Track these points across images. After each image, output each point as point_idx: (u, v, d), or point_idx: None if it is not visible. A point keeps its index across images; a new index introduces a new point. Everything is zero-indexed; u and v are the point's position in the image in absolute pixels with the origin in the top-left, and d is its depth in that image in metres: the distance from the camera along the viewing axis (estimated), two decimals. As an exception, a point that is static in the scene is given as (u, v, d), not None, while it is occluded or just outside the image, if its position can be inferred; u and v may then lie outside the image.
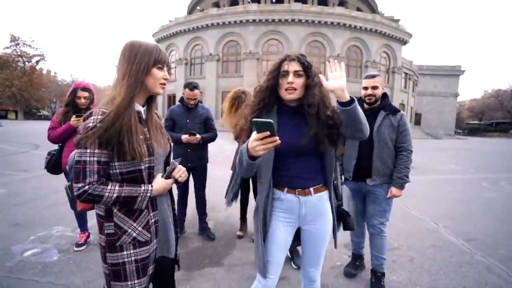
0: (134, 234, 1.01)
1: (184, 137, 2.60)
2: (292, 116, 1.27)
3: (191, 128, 2.66)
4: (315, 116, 1.19)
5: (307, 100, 1.20)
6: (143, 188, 1.00)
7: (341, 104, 1.09)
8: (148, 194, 1.01)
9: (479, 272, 2.38)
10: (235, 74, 26.69)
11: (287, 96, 1.23)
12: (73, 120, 2.28)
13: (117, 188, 0.95)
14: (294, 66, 1.21)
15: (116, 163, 0.96)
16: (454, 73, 39.27)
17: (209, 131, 2.82)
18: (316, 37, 26.32)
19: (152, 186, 1.03)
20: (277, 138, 0.96)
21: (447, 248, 2.86)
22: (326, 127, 1.19)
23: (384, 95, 2.10)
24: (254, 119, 0.96)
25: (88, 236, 2.62)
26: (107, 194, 0.93)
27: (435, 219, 3.68)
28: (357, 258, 2.31)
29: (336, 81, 1.09)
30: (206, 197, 3.00)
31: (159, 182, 1.06)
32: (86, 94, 2.40)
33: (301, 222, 1.32)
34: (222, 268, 2.28)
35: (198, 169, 2.81)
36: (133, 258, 1.00)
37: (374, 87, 2.02)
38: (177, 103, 2.84)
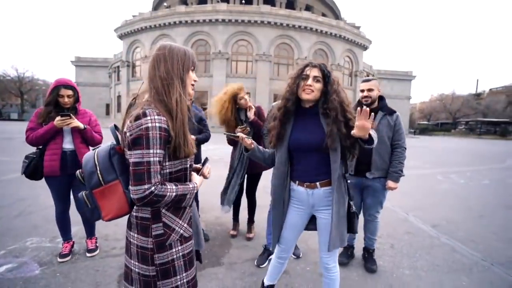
0: (181, 231, 1.03)
1: None
2: (307, 116, 1.44)
3: None
4: (334, 117, 1.34)
5: (328, 105, 1.35)
6: (191, 186, 1.03)
7: (362, 141, 1.28)
8: (195, 191, 1.04)
9: (446, 253, 2.74)
10: (204, 74, 26.26)
11: (304, 95, 1.39)
12: (58, 120, 2.11)
13: (174, 187, 0.96)
14: (314, 72, 1.38)
15: (167, 163, 0.97)
16: (407, 77, 43.28)
17: (202, 131, 2.80)
18: (284, 40, 27.03)
19: (196, 183, 1.06)
20: (239, 138, 1.48)
21: (419, 234, 3.22)
22: (343, 126, 1.33)
23: (381, 98, 2.30)
24: (224, 133, 1.58)
25: (72, 246, 2.43)
26: (168, 193, 0.94)
27: (405, 210, 4.09)
28: (348, 248, 2.50)
29: (361, 132, 1.22)
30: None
31: (198, 179, 1.11)
32: (69, 92, 2.22)
33: (311, 210, 1.51)
34: (222, 267, 2.30)
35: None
36: (180, 254, 1.03)
37: (370, 90, 2.22)
38: None
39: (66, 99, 2.22)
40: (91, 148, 2.35)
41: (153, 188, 0.90)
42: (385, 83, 41.29)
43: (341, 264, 2.39)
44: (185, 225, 1.05)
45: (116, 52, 35.11)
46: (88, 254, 2.39)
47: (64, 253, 2.33)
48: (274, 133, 1.45)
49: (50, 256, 2.36)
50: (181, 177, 1.03)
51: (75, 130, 2.24)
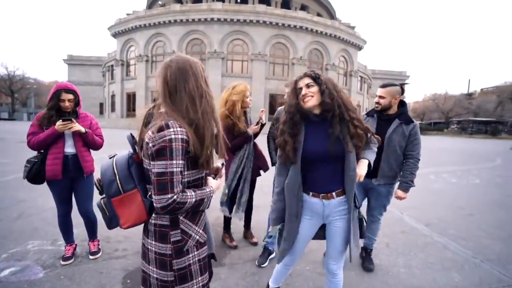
0: (197, 237, 1.07)
1: None
2: (318, 124, 1.41)
3: None
4: (338, 118, 1.36)
5: (324, 106, 1.36)
6: (208, 190, 1.07)
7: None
8: (212, 195, 1.09)
9: (439, 250, 2.85)
10: (200, 73, 26.12)
11: (306, 104, 1.38)
12: (59, 124, 2.13)
13: (193, 193, 1.00)
14: (305, 81, 1.41)
15: (186, 172, 1.01)
16: (400, 77, 43.84)
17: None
18: (280, 39, 27.07)
19: (212, 187, 1.11)
20: None
21: (413, 232, 3.32)
22: (352, 126, 1.35)
23: (403, 104, 2.22)
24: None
25: (75, 248, 2.46)
26: (189, 200, 0.98)
27: (400, 210, 4.20)
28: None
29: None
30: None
31: (214, 183, 1.14)
32: (70, 96, 2.24)
33: (324, 220, 1.50)
34: (224, 267, 2.35)
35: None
36: (196, 259, 1.07)
37: (381, 97, 2.19)
38: None
39: (67, 103, 2.23)
40: (91, 151, 2.41)
41: (175, 196, 0.94)
42: (379, 83, 41.50)
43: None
44: (201, 231, 1.09)
45: (110, 50, 34.75)
46: (91, 257, 2.42)
47: (67, 256, 2.35)
48: (290, 149, 1.36)
49: (53, 259, 2.38)
50: (198, 185, 1.07)
51: (76, 134, 2.26)
